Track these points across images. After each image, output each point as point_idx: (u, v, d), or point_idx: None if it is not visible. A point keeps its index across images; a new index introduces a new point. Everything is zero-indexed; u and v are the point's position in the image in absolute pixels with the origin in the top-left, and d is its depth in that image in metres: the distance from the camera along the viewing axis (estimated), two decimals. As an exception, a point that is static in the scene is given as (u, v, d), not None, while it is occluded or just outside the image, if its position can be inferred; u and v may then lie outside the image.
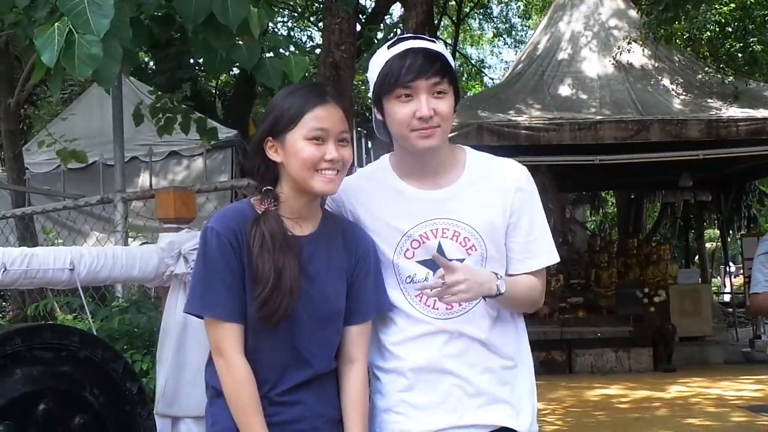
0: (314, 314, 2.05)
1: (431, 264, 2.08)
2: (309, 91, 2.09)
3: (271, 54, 3.98)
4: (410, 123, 2.02)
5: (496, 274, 2.08)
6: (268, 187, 2.07)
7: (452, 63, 2.09)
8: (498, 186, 2.13)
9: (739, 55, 11.81)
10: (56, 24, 2.78)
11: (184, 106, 6.85)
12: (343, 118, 2.07)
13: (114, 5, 2.80)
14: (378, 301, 2.14)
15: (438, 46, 2.07)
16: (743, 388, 9.17)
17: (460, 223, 2.09)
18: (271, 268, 1.97)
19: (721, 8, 11.69)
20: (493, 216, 2.11)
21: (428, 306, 2.10)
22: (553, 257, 2.20)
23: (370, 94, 2.18)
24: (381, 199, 2.14)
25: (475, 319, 2.11)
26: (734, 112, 10.13)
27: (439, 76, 2.02)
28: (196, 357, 3.37)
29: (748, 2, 11.68)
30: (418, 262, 2.10)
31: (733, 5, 11.68)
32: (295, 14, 18.76)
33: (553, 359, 11.03)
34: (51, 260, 3.04)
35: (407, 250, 2.10)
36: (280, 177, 2.08)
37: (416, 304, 2.11)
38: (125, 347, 3.94)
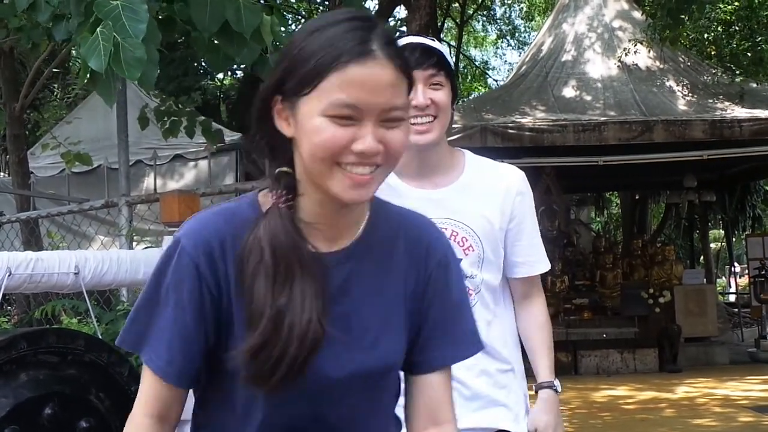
0: (350, 373, 1.33)
1: None
2: (348, 29, 1.27)
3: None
4: None
5: (552, 385, 2.20)
6: (283, 169, 1.33)
7: (450, 60, 2.11)
8: (497, 189, 2.13)
9: (748, 54, 11.79)
10: (99, 30, 2.80)
11: (188, 109, 6.86)
12: (397, 81, 1.28)
13: (147, 11, 2.83)
14: (466, 333, 1.47)
15: (436, 44, 2.10)
16: (750, 388, 9.15)
17: (458, 223, 2.08)
18: (269, 301, 1.25)
19: (726, 7, 11.69)
20: (492, 218, 2.10)
21: None
22: (548, 263, 2.25)
23: None
24: None
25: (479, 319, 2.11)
26: (738, 112, 10.12)
27: (435, 69, 2.04)
28: (201, 360, 3.39)
29: (755, 2, 11.67)
30: None
31: (737, 4, 11.67)
32: (299, 17, 18.79)
33: (559, 360, 10.95)
34: (56, 264, 3.06)
35: None
36: (294, 159, 1.34)
37: None
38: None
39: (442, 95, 2.05)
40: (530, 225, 2.18)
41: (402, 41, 2.08)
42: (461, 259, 2.07)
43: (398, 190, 2.09)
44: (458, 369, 2.07)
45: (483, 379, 2.10)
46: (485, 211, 2.10)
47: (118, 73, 2.82)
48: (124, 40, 2.78)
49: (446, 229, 2.07)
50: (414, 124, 2.00)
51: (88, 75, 2.89)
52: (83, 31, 2.88)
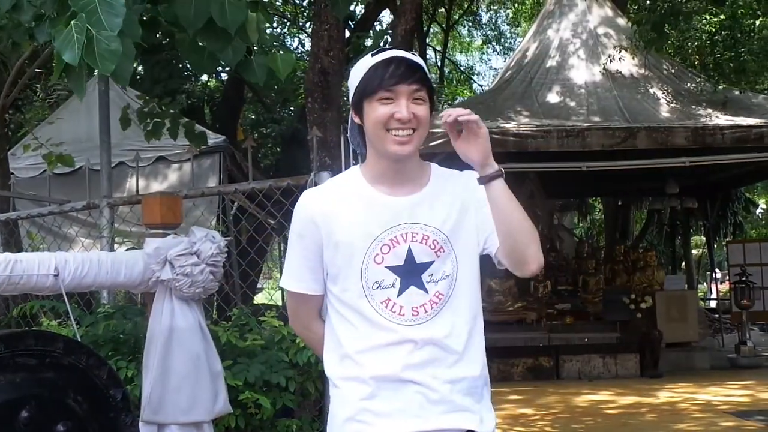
0: None
1: (399, 270, 2.12)
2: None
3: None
4: (387, 122, 2.10)
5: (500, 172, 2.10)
6: None
7: (430, 76, 2.19)
8: (458, 189, 2.20)
9: (731, 63, 11.89)
10: (73, 23, 2.78)
11: (172, 111, 6.82)
12: None
13: (124, 5, 2.81)
14: None
15: (419, 59, 2.18)
16: (730, 393, 9.20)
17: (428, 227, 2.14)
18: None
19: (711, 19, 11.78)
20: (460, 218, 2.17)
21: (394, 312, 2.11)
22: None
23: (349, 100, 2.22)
24: (352, 207, 2.16)
25: (441, 326, 2.12)
26: (720, 120, 10.19)
27: (419, 84, 2.12)
28: (181, 364, 3.36)
29: (738, 12, 11.77)
30: (387, 267, 2.12)
31: (723, 16, 11.77)
32: (285, 20, 18.76)
33: (541, 365, 11.04)
34: (35, 266, 3.02)
35: (377, 254, 2.12)
36: None
37: (382, 311, 2.11)
38: (110, 354, 3.91)
39: (423, 110, 2.13)
40: None
41: (388, 53, 2.15)
42: (432, 262, 2.12)
43: (375, 199, 2.16)
44: (426, 377, 2.08)
45: (449, 386, 2.11)
46: (452, 212, 2.16)
47: (92, 66, 2.79)
48: (99, 33, 2.76)
49: (417, 233, 2.13)
50: (396, 135, 2.09)
51: (62, 68, 2.86)
52: (59, 24, 2.85)
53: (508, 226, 2.08)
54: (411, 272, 2.12)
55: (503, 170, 2.10)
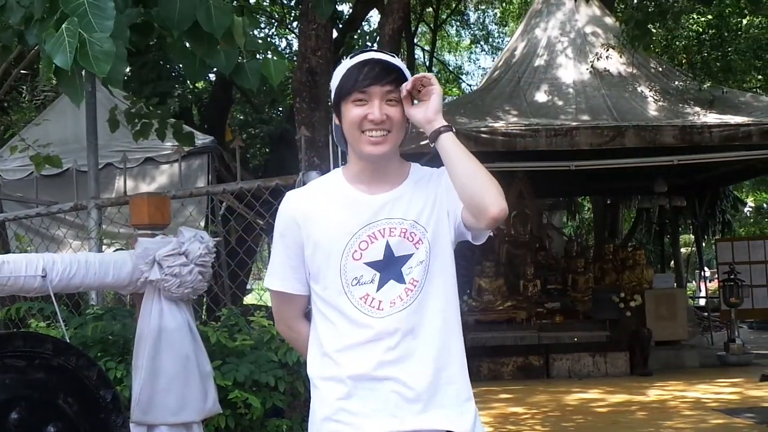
0: None
1: (378, 265, 2.13)
2: None
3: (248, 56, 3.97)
4: (361, 124, 2.13)
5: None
6: None
7: (409, 77, 2.19)
8: (435, 185, 2.22)
9: (718, 63, 11.96)
10: (64, 26, 2.75)
11: (159, 111, 6.79)
12: None
13: (114, 8, 2.79)
14: None
15: (396, 61, 2.20)
16: (719, 391, 9.24)
17: (405, 221, 2.16)
18: None
19: (699, 18, 11.83)
20: (434, 209, 2.18)
21: (372, 307, 2.12)
22: None
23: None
24: (331, 206, 2.19)
25: (417, 314, 2.13)
26: (708, 118, 10.23)
27: (393, 86, 2.14)
28: (170, 364, 3.35)
29: (725, 11, 11.83)
30: (365, 263, 2.14)
31: (710, 15, 11.82)
32: (273, 20, 18.73)
33: (531, 364, 11.07)
34: (23, 267, 3.01)
35: (355, 251, 2.14)
36: None
37: (361, 307, 2.13)
38: (99, 355, 3.89)
39: (396, 111, 2.15)
40: None
41: (364, 55, 2.18)
42: (412, 254, 2.14)
43: (353, 198, 2.19)
44: (403, 372, 2.08)
45: (427, 380, 2.11)
46: (428, 205, 2.18)
47: (86, 68, 2.76)
48: (91, 36, 2.74)
49: (395, 228, 2.15)
50: (370, 137, 2.13)
51: (52, 72, 2.84)
52: (48, 27, 2.82)
53: (463, 176, 2.07)
54: (390, 266, 2.13)
55: (453, 127, 2.13)
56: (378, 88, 2.12)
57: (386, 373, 2.09)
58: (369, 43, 13.46)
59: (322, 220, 2.17)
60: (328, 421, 2.13)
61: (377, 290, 2.12)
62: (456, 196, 2.11)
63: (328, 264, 2.15)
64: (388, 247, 2.14)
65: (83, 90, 2.89)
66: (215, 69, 3.88)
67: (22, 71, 10.04)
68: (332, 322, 2.15)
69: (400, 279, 2.13)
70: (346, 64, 2.19)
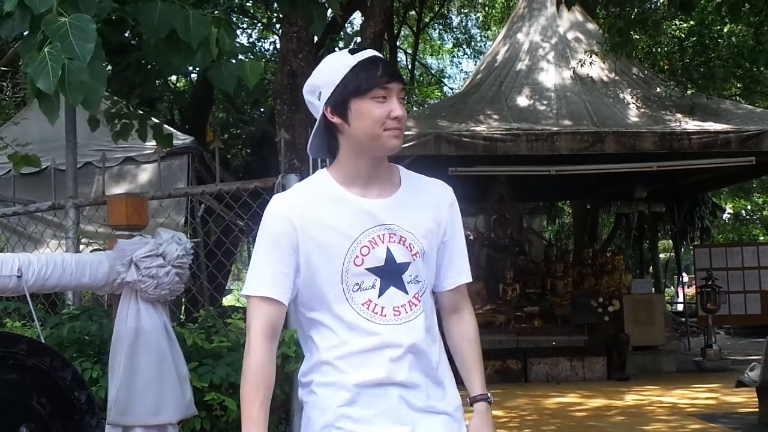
0: None
1: (380, 271, 2.09)
2: None
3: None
4: (385, 122, 2.09)
5: (487, 397, 2.26)
6: None
7: None
8: (433, 200, 2.22)
9: (701, 69, 12.03)
10: (46, 50, 2.74)
11: (140, 111, 6.76)
12: None
13: (95, 30, 2.77)
14: None
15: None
16: (696, 396, 9.30)
17: (403, 230, 2.13)
18: None
19: (680, 24, 11.91)
20: (431, 228, 2.19)
21: (376, 313, 2.08)
22: (470, 274, 2.33)
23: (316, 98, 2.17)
24: (327, 209, 2.12)
25: (421, 329, 2.12)
26: (688, 125, 10.30)
27: (403, 84, 2.15)
28: (147, 366, 3.33)
29: (707, 18, 11.91)
30: (366, 269, 2.09)
31: (692, 22, 11.90)
32: (256, 22, 18.67)
33: (509, 368, 11.09)
34: (-2, 267, 2.98)
35: (356, 257, 2.09)
36: None
37: (363, 312, 2.08)
38: (75, 355, 3.86)
39: (405, 112, 2.17)
40: (460, 235, 2.27)
41: (368, 54, 2.14)
42: (409, 263, 2.11)
43: (349, 201, 2.13)
44: (408, 380, 2.08)
45: (429, 390, 2.12)
46: (425, 221, 2.17)
47: (64, 96, 2.76)
48: (71, 62, 2.73)
49: (394, 234, 2.11)
50: (391, 129, 2.09)
51: (35, 93, 2.83)
52: (31, 50, 2.80)
53: None
54: (391, 273, 2.09)
55: (491, 400, 2.26)
56: (396, 85, 2.11)
57: (393, 381, 2.07)
58: (351, 46, 13.45)
59: (320, 224, 2.10)
60: (330, 428, 2.07)
61: (378, 296, 2.07)
62: (453, 255, 2.24)
63: (328, 270, 2.08)
64: (389, 253, 2.10)
65: (59, 110, 2.87)
66: (194, 68, 3.89)
67: (1, 68, 9.96)
68: (331, 330, 2.09)
69: (402, 287, 2.10)
70: (347, 59, 2.12)
